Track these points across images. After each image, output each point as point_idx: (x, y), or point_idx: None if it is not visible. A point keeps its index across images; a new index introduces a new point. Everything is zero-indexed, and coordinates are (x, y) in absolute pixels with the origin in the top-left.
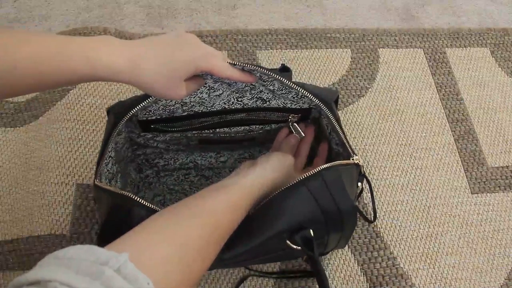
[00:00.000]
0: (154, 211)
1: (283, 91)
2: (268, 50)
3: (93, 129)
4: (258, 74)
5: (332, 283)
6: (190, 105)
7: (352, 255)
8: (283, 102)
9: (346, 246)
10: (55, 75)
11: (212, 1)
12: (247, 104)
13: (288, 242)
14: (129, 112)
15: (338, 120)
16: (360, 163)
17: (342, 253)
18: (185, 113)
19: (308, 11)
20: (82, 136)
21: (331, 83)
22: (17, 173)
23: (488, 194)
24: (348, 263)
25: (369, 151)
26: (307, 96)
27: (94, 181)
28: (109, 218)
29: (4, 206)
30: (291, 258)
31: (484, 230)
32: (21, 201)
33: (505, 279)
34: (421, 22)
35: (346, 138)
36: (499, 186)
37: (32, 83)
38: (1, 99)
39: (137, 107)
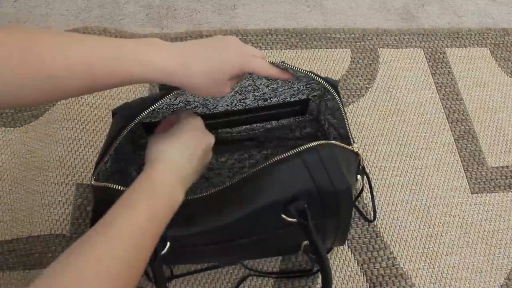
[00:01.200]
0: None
1: (285, 87)
2: (268, 50)
3: (93, 129)
4: (290, 71)
5: (332, 284)
6: (194, 105)
7: (352, 255)
8: (283, 98)
9: (346, 246)
10: (107, 78)
11: (212, 1)
12: (249, 105)
13: (283, 216)
14: (139, 116)
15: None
16: (360, 153)
17: (342, 253)
18: None
19: (308, 11)
20: (82, 136)
21: None
22: (17, 173)
23: (488, 194)
24: (348, 263)
25: (369, 151)
26: (317, 82)
27: (91, 181)
28: (96, 209)
29: (4, 206)
30: (290, 252)
31: (484, 230)
32: (21, 201)
33: (505, 279)
34: (421, 22)
35: (348, 125)
36: (499, 186)
37: (83, 86)
38: (53, 101)
39: (147, 110)
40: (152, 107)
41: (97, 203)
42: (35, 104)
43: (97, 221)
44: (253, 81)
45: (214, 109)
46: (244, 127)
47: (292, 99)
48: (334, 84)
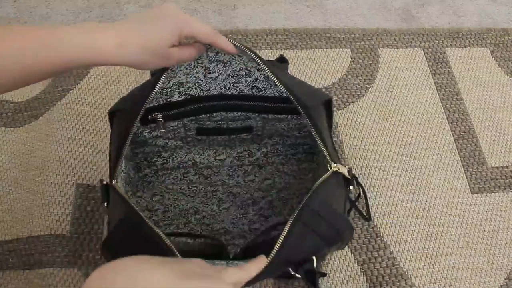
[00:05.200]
0: (159, 237)
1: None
2: (268, 50)
3: (93, 129)
4: (249, 54)
5: (332, 283)
6: (186, 86)
7: (352, 255)
8: (279, 91)
9: (346, 246)
10: (40, 66)
11: (212, 1)
12: (243, 90)
13: (290, 270)
14: (144, 105)
15: (319, 127)
16: (341, 170)
17: (342, 253)
18: (182, 98)
19: (308, 11)
20: (82, 136)
21: (331, 83)
22: (17, 173)
23: (488, 194)
24: (348, 263)
25: (369, 151)
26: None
27: (111, 182)
28: (118, 228)
29: (4, 206)
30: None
31: (484, 230)
32: (21, 201)
33: (505, 279)
34: (421, 22)
35: (325, 144)
36: (499, 186)
37: (16, 77)
38: None
39: (150, 96)
40: (153, 92)
41: (123, 219)
42: None
43: (117, 235)
44: (244, 64)
45: (208, 91)
46: (239, 113)
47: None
48: (304, 102)
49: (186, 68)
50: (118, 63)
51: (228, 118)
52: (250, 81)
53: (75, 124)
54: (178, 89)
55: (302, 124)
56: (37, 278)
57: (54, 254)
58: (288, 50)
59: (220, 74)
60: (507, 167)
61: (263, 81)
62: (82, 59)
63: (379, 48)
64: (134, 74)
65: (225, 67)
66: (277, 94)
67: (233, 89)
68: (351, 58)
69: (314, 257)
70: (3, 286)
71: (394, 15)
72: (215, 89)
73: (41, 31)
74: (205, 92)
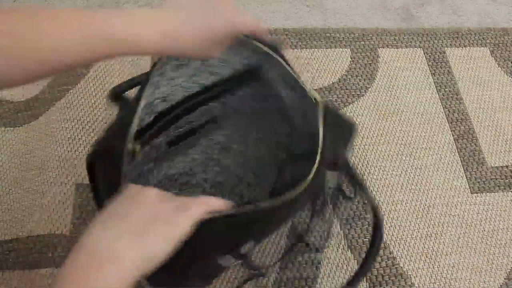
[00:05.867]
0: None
1: (232, 54)
2: None
3: (93, 129)
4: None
5: (332, 283)
6: (154, 104)
7: (352, 255)
8: (233, 67)
9: (346, 246)
10: (84, 55)
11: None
12: (203, 83)
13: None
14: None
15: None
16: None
17: (342, 253)
18: (152, 118)
19: (307, 11)
20: (82, 136)
21: (331, 82)
22: (17, 173)
23: (488, 193)
24: (348, 263)
25: (369, 151)
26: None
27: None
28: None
29: (4, 206)
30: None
31: (484, 230)
32: (21, 201)
33: (504, 279)
34: (421, 22)
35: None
36: (498, 186)
37: (51, 68)
38: (18, 85)
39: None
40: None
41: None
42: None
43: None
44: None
45: (174, 100)
46: (202, 108)
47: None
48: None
49: (150, 88)
50: (164, 53)
51: (191, 119)
52: (211, 70)
53: (75, 124)
54: (146, 110)
55: (259, 97)
56: (37, 278)
57: (54, 254)
58: (288, 50)
59: (181, 76)
60: (506, 167)
61: (219, 67)
62: (129, 50)
63: (379, 48)
64: (134, 74)
65: (187, 68)
66: (232, 71)
67: (195, 87)
68: (351, 58)
69: None
70: (3, 286)
71: (394, 15)
72: (179, 95)
73: (86, 18)
74: (171, 103)
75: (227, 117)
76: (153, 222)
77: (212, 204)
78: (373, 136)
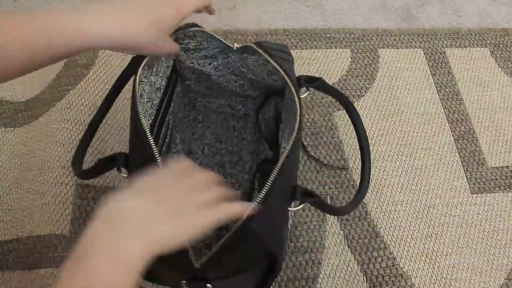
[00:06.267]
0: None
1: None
2: None
3: None
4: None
5: (332, 283)
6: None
7: (352, 255)
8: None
9: (346, 246)
10: (45, 52)
11: (212, 1)
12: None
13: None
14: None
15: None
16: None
17: (342, 253)
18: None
19: (308, 11)
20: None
21: (331, 83)
22: (17, 173)
23: (488, 194)
24: (348, 263)
25: None
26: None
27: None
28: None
29: (4, 206)
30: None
31: (484, 230)
32: (21, 201)
33: (505, 279)
34: (421, 22)
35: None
36: (499, 186)
37: (24, 63)
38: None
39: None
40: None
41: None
42: None
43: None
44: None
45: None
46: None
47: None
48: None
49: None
50: (121, 48)
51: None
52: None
53: (75, 124)
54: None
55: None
56: (37, 278)
57: (54, 254)
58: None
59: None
60: (507, 167)
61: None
62: (87, 45)
63: (379, 48)
64: None
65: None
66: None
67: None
68: (351, 58)
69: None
70: (3, 286)
71: (394, 15)
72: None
73: (42, 18)
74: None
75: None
76: (184, 212)
77: (236, 209)
78: (373, 137)
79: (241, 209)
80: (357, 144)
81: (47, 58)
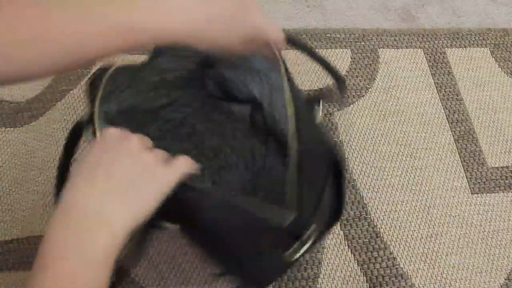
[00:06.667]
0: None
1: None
2: None
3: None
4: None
5: (332, 283)
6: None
7: (352, 255)
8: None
9: (346, 246)
10: (118, 49)
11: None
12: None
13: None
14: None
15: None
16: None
17: (342, 253)
18: None
19: (308, 11)
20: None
21: (331, 83)
22: (17, 173)
23: (488, 194)
24: (348, 263)
25: (369, 151)
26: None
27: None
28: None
29: (4, 206)
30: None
31: (484, 230)
32: (21, 201)
33: (505, 279)
34: (421, 22)
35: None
36: (499, 186)
37: (93, 59)
38: (34, 80)
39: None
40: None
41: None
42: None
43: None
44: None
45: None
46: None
47: None
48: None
49: None
50: (188, 44)
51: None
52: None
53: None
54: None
55: None
56: None
57: None
58: (288, 50)
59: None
60: (507, 167)
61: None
62: (158, 42)
63: (379, 48)
64: None
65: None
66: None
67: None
68: (351, 59)
69: None
70: (3, 286)
71: (394, 15)
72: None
73: (114, 12)
74: None
75: None
76: (139, 177)
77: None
78: (373, 137)
79: (188, 163)
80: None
81: (117, 52)
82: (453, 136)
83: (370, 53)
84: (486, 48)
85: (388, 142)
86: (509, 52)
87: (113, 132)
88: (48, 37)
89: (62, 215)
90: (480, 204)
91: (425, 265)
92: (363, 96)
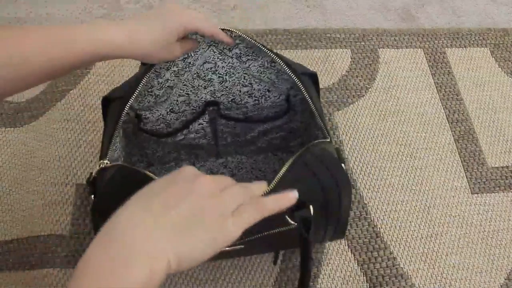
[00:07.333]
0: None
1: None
2: None
3: (93, 129)
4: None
5: (332, 283)
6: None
7: (352, 255)
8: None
9: (346, 246)
10: (63, 60)
11: (212, 1)
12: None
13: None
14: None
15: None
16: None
17: (342, 253)
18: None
19: (308, 11)
20: (82, 136)
21: (331, 83)
22: (17, 173)
23: (488, 194)
24: (348, 263)
25: (369, 151)
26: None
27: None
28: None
29: (4, 206)
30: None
31: (484, 230)
32: (21, 201)
33: (505, 279)
34: (421, 22)
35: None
36: (499, 186)
37: (43, 72)
38: (13, 94)
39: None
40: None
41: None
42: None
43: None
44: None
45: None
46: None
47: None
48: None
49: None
50: (129, 55)
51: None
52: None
53: (75, 124)
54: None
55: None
56: (37, 278)
57: (54, 254)
58: (288, 50)
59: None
60: (507, 167)
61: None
62: (99, 52)
63: (379, 48)
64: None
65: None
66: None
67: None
68: (351, 58)
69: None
70: (3, 286)
71: (394, 15)
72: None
73: (59, 28)
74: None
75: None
76: (199, 222)
77: (266, 204)
78: (373, 137)
79: (273, 204)
80: (357, 144)
81: (66, 66)
82: (453, 136)
83: (370, 53)
84: (486, 48)
85: (388, 142)
86: (509, 52)
87: (191, 169)
88: (23, 56)
89: (104, 239)
90: (480, 204)
91: (425, 265)
92: (363, 96)
